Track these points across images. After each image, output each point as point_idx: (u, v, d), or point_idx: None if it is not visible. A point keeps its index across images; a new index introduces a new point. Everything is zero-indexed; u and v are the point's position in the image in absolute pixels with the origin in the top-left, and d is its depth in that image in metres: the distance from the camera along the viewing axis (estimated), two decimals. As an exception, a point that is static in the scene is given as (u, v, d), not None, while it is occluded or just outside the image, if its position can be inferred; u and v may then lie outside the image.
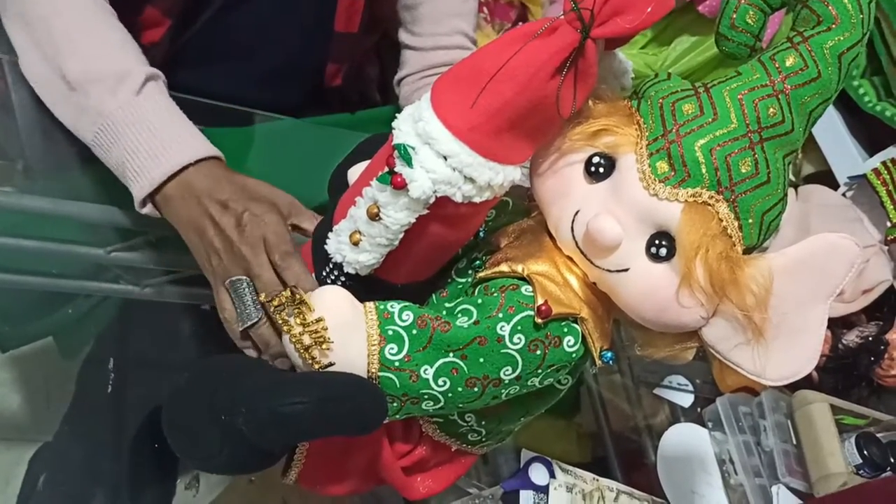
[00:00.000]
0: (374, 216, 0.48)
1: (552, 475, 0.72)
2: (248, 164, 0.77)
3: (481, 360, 0.49)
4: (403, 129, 0.47)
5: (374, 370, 0.48)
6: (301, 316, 0.48)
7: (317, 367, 0.47)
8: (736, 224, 0.48)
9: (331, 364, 0.47)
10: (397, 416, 0.51)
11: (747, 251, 0.49)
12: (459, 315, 0.50)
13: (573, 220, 0.50)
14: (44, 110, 0.69)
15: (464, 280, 0.56)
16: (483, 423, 0.57)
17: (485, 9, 1.24)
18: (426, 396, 0.49)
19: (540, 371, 0.50)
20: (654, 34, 1.15)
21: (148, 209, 0.63)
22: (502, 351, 0.49)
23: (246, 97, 0.84)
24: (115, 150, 0.62)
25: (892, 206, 1.02)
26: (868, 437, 0.84)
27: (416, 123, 0.46)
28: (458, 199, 0.47)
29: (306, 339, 0.47)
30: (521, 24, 1.25)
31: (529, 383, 0.51)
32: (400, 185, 0.46)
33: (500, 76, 0.44)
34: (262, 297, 0.57)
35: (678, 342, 0.53)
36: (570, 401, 0.94)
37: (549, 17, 0.46)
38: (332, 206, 0.59)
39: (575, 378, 0.56)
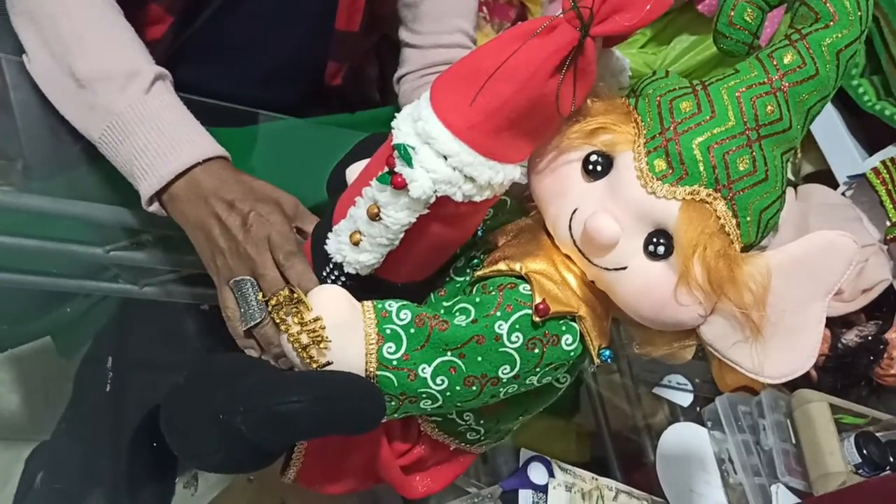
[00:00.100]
0: (374, 216, 0.48)
1: (551, 474, 0.72)
2: (249, 163, 0.77)
3: (479, 358, 0.49)
4: (403, 128, 0.47)
5: (371, 369, 0.48)
6: (299, 315, 0.47)
7: (315, 366, 0.47)
8: (734, 222, 0.48)
9: (329, 363, 0.47)
10: (395, 415, 0.51)
11: (745, 249, 0.49)
12: (457, 314, 0.50)
13: (571, 219, 0.50)
14: (43, 109, 0.69)
15: (462, 279, 0.56)
16: (482, 421, 0.57)
17: (484, 8, 1.24)
18: (424, 395, 0.49)
19: (538, 370, 0.50)
20: (653, 33, 1.15)
21: (154, 207, 0.63)
22: (500, 350, 0.49)
23: (247, 95, 0.84)
24: (123, 149, 0.62)
25: (891, 206, 1.02)
26: (867, 436, 0.84)
27: (416, 123, 0.46)
28: (459, 198, 0.47)
29: (304, 339, 0.47)
30: (520, 23, 1.25)
31: (528, 382, 0.51)
32: (400, 185, 0.46)
33: (499, 75, 0.44)
34: (260, 296, 0.57)
35: (677, 340, 0.53)
36: (570, 400, 0.94)
37: (548, 16, 0.46)
38: (331, 205, 0.59)
39: (573, 377, 0.56)
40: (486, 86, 0.45)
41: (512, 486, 0.71)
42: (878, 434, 0.86)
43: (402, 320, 0.49)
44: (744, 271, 0.48)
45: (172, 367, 0.77)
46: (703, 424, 0.91)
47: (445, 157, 0.46)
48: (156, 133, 0.62)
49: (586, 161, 0.50)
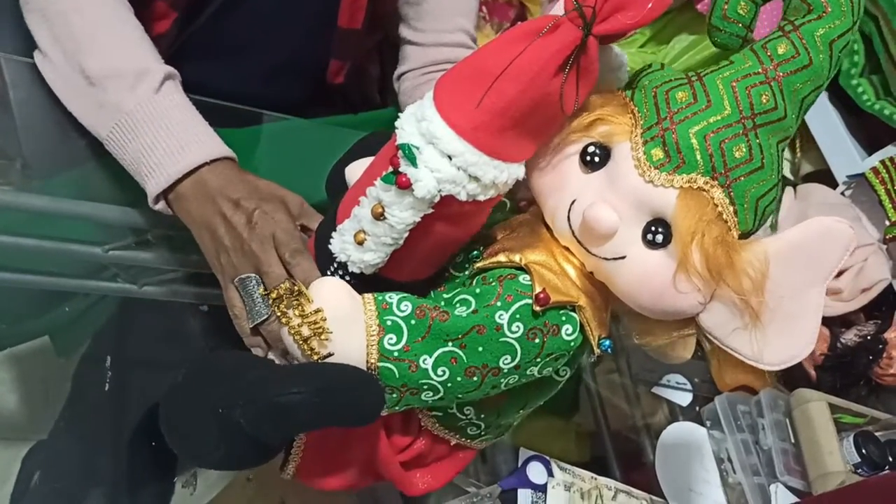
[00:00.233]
0: (378, 216, 0.49)
1: (550, 474, 0.72)
2: (252, 163, 0.77)
3: (480, 348, 0.49)
4: (407, 128, 0.47)
5: (373, 360, 0.48)
6: (300, 307, 0.48)
7: (316, 358, 0.48)
8: (731, 209, 0.48)
9: (330, 355, 0.48)
10: (396, 408, 0.51)
11: (743, 237, 0.50)
12: (458, 305, 0.50)
13: (570, 210, 0.51)
14: (42, 108, 0.69)
15: (461, 274, 0.56)
16: (482, 415, 0.58)
17: (483, 8, 1.24)
18: (425, 387, 0.49)
19: (539, 360, 0.50)
20: (652, 33, 1.15)
21: (160, 206, 0.64)
22: (501, 339, 0.49)
23: (249, 93, 0.84)
24: (131, 147, 0.63)
25: (890, 205, 1.02)
26: (866, 435, 0.84)
27: (420, 123, 0.46)
28: (463, 197, 0.47)
29: (305, 331, 0.47)
30: (519, 23, 1.25)
31: (528, 373, 0.51)
32: (405, 185, 0.46)
33: (503, 75, 0.45)
34: (261, 289, 0.57)
35: (676, 329, 0.53)
36: (569, 400, 0.94)
37: (550, 16, 0.46)
38: (332, 204, 0.59)
39: (573, 370, 0.57)
40: (490, 86, 0.45)
41: (511, 485, 0.71)
42: (877, 433, 0.86)
43: (402, 312, 0.49)
44: (742, 258, 0.49)
45: (172, 367, 0.77)
46: (702, 424, 0.91)
47: (450, 157, 0.46)
48: (164, 132, 0.62)
49: (584, 152, 0.51)
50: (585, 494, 0.73)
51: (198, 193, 0.62)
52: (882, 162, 1.04)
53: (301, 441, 0.55)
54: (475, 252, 0.56)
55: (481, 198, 0.48)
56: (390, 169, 0.47)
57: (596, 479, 0.76)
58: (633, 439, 0.93)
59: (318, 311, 0.47)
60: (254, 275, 0.58)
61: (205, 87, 0.71)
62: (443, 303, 0.51)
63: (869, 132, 1.12)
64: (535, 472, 0.72)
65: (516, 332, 0.49)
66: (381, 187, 0.48)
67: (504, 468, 0.76)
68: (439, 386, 0.49)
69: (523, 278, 0.51)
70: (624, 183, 0.49)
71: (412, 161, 0.46)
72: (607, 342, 0.52)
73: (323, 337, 0.47)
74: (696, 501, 0.84)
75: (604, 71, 0.52)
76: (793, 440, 0.87)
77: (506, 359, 0.49)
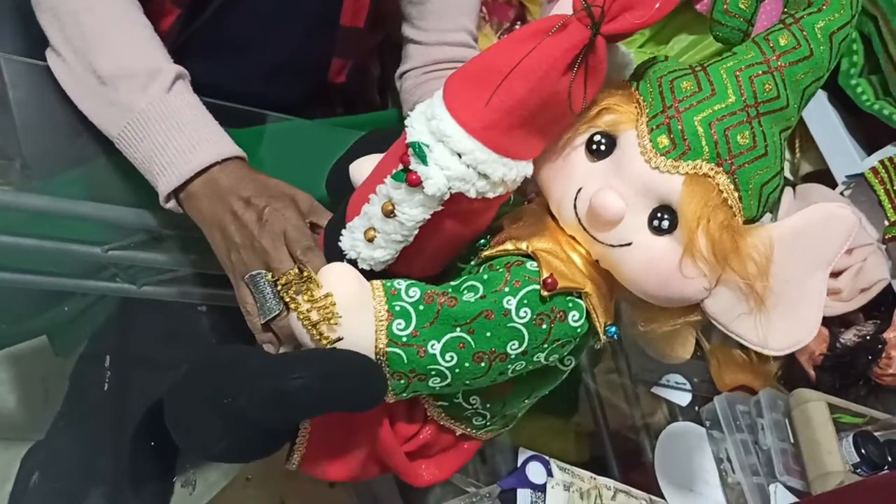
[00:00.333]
0: (388, 213, 0.49)
1: (550, 474, 0.72)
2: (254, 163, 0.78)
3: (488, 334, 0.49)
4: (417, 127, 0.48)
5: (382, 345, 0.48)
6: (309, 293, 0.48)
7: (325, 343, 0.48)
8: (736, 195, 0.49)
9: (339, 339, 0.48)
10: (404, 395, 0.52)
11: (747, 223, 0.51)
12: (466, 291, 0.51)
13: (576, 198, 0.52)
14: (41, 108, 0.69)
15: (467, 266, 0.57)
16: (488, 405, 0.58)
17: (483, 8, 1.23)
18: (433, 372, 0.50)
19: (546, 346, 0.51)
20: (652, 33, 1.15)
21: (171, 205, 0.64)
22: (509, 325, 0.50)
23: (250, 92, 0.84)
24: (143, 146, 0.63)
25: (889, 205, 1.02)
26: (865, 435, 0.84)
27: (430, 122, 0.47)
28: (472, 194, 0.48)
29: (314, 316, 0.48)
30: (519, 23, 1.25)
31: (535, 359, 0.52)
32: (415, 183, 0.47)
33: (512, 74, 0.45)
34: (270, 276, 0.57)
35: (681, 316, 0.54)
36: (568, 400, 0.94)
37: (558, 15, 0.46)
38: (334, 202, 0.61)
39: (577, 359, 0.58)
40: (500, 85, 0.46)
41: (510, 485, 0.71)
42: (876, 433, 0.86)
43: (410, 297, 0.50)
44: (747, 242, 0.50)
45: (170, 367, 0.76)
46: (701, 424, 0.91)
47: (459, 155, 0.47)
48: (176, 131, 0.63)
49: (590, 141, 0.51)
50: (585, 494, 0.73)
51: (209, 192, 0.62)
52: (881, 162, 1.04)
53: (306, 431, 0.55)
54: (482, 241, 0.56)
55: (490, 195, 0.49)
56: (400, 167, 0.48)
57: (595, 478, 0.76)
58: (632, 439, 0.93)
59: (327, 295, 0.48)
60: (264, 271, 0.59)
61: (206, 85, 0.71)
62: (450, 289, 0.51)
63: (868, 132, 1.12)
64: (535, 471, 0.72)
65: (524, 317, 0.50)
66: (391, 185, 0.49)
67: (503, 468, 0.76)
68: (447, 371, 0.50)
69: (530, 265, 0.52)
70: (630, 170, 0.50)
71: (422, 159, 0.47)
72: (613, 329, 0.53)
73: (332, 322, 0.48)
74: (696, 501, 0.84)
75: (611, 70, 0.53)
76: (792, 440, 0.86)
77: (513, 344, 0.50)
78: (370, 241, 0.51)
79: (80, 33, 0.65)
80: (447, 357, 0.49)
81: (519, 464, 0.71)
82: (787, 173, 1.17)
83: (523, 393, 0.59)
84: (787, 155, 1.18)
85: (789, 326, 0.51)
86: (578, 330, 0.52)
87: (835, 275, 0.99)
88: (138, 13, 0.68)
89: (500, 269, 0.52)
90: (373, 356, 0.49)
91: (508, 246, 0.53)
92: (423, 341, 0.49)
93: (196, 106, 0.66)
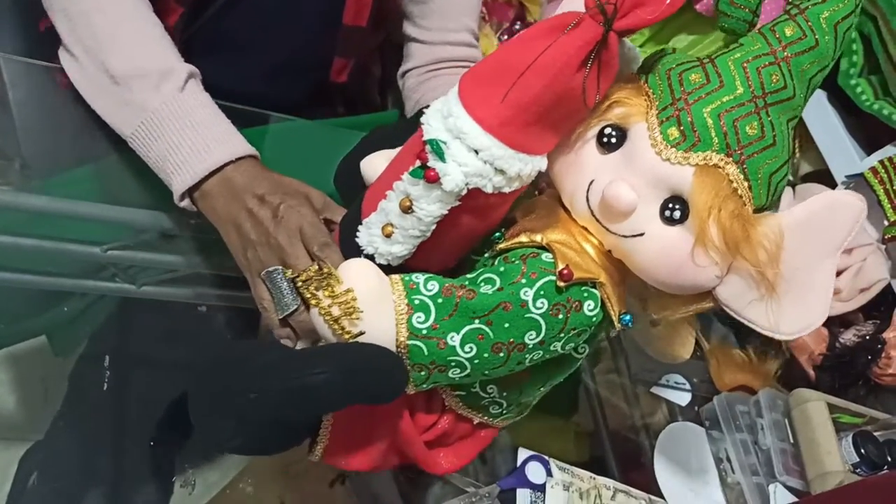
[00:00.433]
0: (406, 209, 0.51)
1: (549, 473, 0.72)
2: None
3: (506, 325, 0.50)
4: (433, 124, 0.49)
5: (402, 338, 0.49)
6: (329, 288, 0.49)
7: (347, 337, 0.49)
8: (746, 185, 0.50)
9: (361, 333, 0.49)
10: (424, 386, 0.53)
11: (757, 212, 0.52)
12: (483, 283, 0.52)
13: (588, 190, 0.53)
14: (41, 108, 0.69)
15: (481, 258, 0.58)
16: (505, 394, 0.59)
17: (483, 8, 1.23)
18: (453, 363, 0.51)
19: (562, 335, 0.52)
20: (651, 33, 1.15)
21: (185, 203, 0.65)
22: (526, 315, 0.51)
23: (251, 91, 0.84)
24: (157, 145, 0.64)
25: (889, 205, 1.02)
26: (865, 435, 0.84)
27: (446, 119, 0.48)
28: (489, 189, 0.49)
29: (335, 311, 0.49)
30: (519, 23, 1.25)
31: (552, 348, 0.53)
32: (433, 179, 0.48)
33: (528, 71, 0.46)
34: (289, 273, 0.58)
35: (693, 303, 0.55)
36: (568, 400, 0.94)
37: (570, 12, 0.47)
38: (343, 198, 0.62)
39: (591, 348, 0.59)
40: (515, 82, 0.47)
41: (510, 485, 0.71)
42: (875, 433, 0.86)
43: (429, 291, 0.51)
44: (758, 231, 0.51)
45: (170, 367, 0.77)
46: (701, 424, 0.91)
47: (476, 151, 0.48)
48: (190, 131, 0.63)
49: (601, 134, 0.52)
50: (584, 494, 0.73)
51: (224, 191, 0.63)
52: (881, 162, 1.04)
53: (328, 422, 0.56)
54: (497, 234, 0.57)
55: (506, 190, 0.50)
56: (418, 163, 0.49)
57: (595, 478, 0.76)
58: (631, 439, 0.93)
59: (348, 291, 0.49)
60: (280, 267, 0.59)
61: (207, 85, 0.71)
62: (467, 282, 0.52)
63: (868, 132, 1.12)
64: (534, 471, 0.71)
65: (541, 308, 0.51)
66: (408, 181, 0.50)
67: (503, 468, 0.76)
68: (466, 362, 0.51)
69: (546, 256, 0.53)
70: (641, 162, 0.51)
71: (440, 156, 0.48)
72: (627, 317, 0.54)
73: (354, 316, 0.49)
74: (695, 501, 0.84)
75: (619, 64, 0.54)
76: (791, 440, 0.86)
77: (531, 334, 0.51)
78: (388, 236, 0.53)
79: (91, 33, 0.66)
80: (466, 348, 0.50)
81: (518, 464, 0.71)
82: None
83: (539, 381, 0.60)
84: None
85: (800, 311, 0.53)
86: (594, 319, 0.53)
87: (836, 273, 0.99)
88: (148, 11, 0.69)
89: (516, 262, 0.53)
90: (393, 349, 0.50)
91: (523, 238, 0.54)
92: (443, 333, 0.50)
93: (209, 105, 0.66)
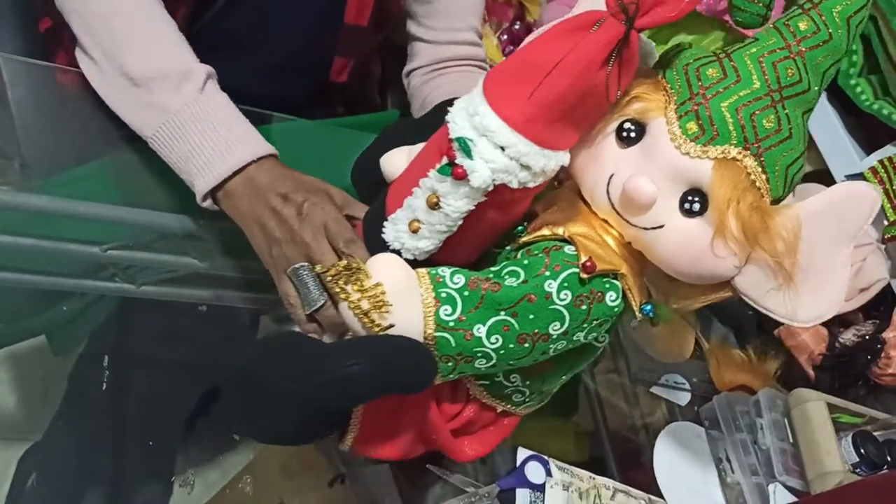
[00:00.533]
0: (433, 205, 0.52)
1: (549, 473, 0.72)
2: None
3: (531, 316, 0.52)
4: (459, 122, 0.50)
5: (430, 331, 0.51)
6: (359, 283, 0.51)
7: (377, 330, 0.50)
8: (763, 177, 0.52)
9: (390, 326, 0.50)
10: (451, 376, 0.54)
11: (774, 203, 0.53)
12: (507, 276, 0.53)
13: (608, 184, 0.54)
14: (40, 108, 0.69)
15: (503, 251, 0.59)
16: (528, 382, 0.61)
17: (482, 8, 1.23)
18: (479, 354, 0.52)
19: (585, 325, 0.54)
20: (651, 32, 1.15)
21: (207, 203, 0.65)
22: (550, 307, 0.52)
23: (252, 91, 0.84)
24: (178, 146, 0.64)
25: (889, 205, 1.02)
26: (864, 435, 0.84)
27: (472, 118, 0.50)
28: (515, 185, 0.51)
29: (365, 304, 0.50)
30: (519, 22, 1.25)
31: (575, 338, 0.54)
32: (461, 176, 0.50)
33: (553, 70, 0.48)
34: (318, 268, 0.58)
35: (712, 292, 0.57)
36: (568, 400, 0.94)
37: (592, 11, 0.49)
38: (361, 195, 0.64)
39: (610, 337, 0.60)
40: (542, 80, 0.48)
41: (509, 484, 0.70)
42: (875, 433, 0.86)
43: (455, 284, 0.52)
44: (776, 222, 0.52)
45: (170, 367, 0.77)
46: (700, 424, 0.90)
47: (503, 148, 0.49)
48: (212, 132, 0.64)
49: (620, 129, 0.54)
50: (584, 494, 0.73)
51: (247, 190, 0.64)
52: (880, 162, 1.04)
53: (358, 413, 0.58)
54: (520, 228, 0.59)
55: (531, 185, 0.52)
56: (445, 161, 0.50)
57: (594, 478, 0.76)
58: (631, 439, 0.93)
59: (377, 284, 0.50)
60: (305, 264, 0.60)
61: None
62: (492, 275, 0.54)
63: (867, 132, 1.12)
64: (534, 471, 0.71)
65: (564, 299, 0.52)
66: (436, 178, 0.52)
67: (502, 468, 0.76)
68: (492, 353, 0.52)
69: (568, 249, 0.54)
70: (661, 156, 0.52)
71: (468, 153, 0.49)
72: (648, 307, 0.56)
73: (383, 310, 0.50)
74: (695, 501, 0.84)
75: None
76: (791, 440, 0.86)
77: (555, 325, 0.53)
78: (414, 232, 0.54)
79: (109, 36, 0.66)
80: (492, 339, 0.51)
81: (518, 463, 0.71)
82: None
83: (561, 370, 0.62)
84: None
85: (816, 300, 0.54)
86: (615, 309, 0.54)
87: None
88: (163, 12, 0.69)
89: (540, 254, 0.54)
90: (421, 341, 0.51)
91: (545, 231, 0.56)
92: (470, 325, 0.51)
93: (228, 105, 0.67)
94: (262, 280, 0.71)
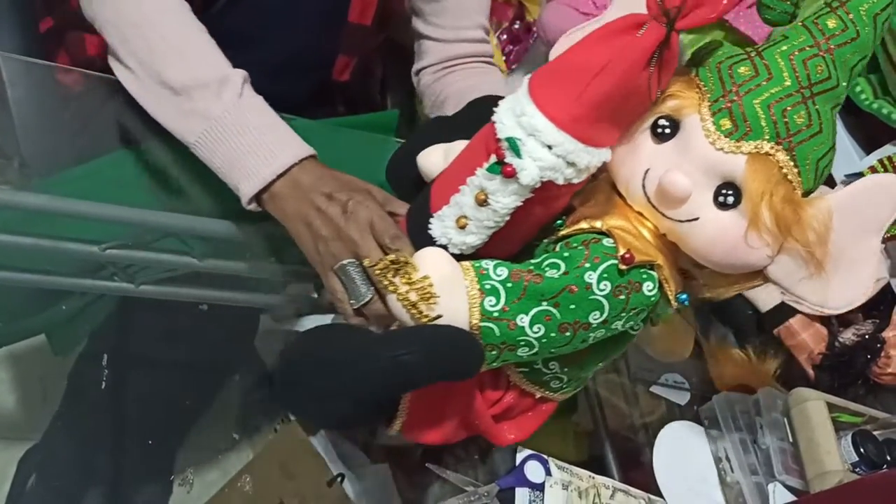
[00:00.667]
0: (482, 202, 0.54)
1: (548, 473, 0.72)
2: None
3: (572, 306, 0.54)
4: (506, 122, 0.53)
5: (475, 321, 0.53)
6: (407, 276, 0.52)
7: (425, 320, 0.52)
8: (795, 171, 0.54)
9: (438, 317, 0.52)
10: (495, 364, 0.56)
11: (805, 195, 0.55)
12: (548, 268, 0.55)
13: (644, 178, 0.56)
14: (40, 107, 0.69)
15: (541, 244, 0.61)
16: (566, 369, 0.63)
17: (482, 7, 1.23)
18: (522, 343, 0.54)
19: (623, 314, 0.56)
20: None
21: (253, 206, 0.67)
22: (590, 297, 0.54)
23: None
24: (221, 152, 0.66)
25: (888, 204, 1.02)
26: (864, 434, 0.84)
27: (520, 118, 0.52)
28: (561, 181, 0.53)
29: (413, 296, 0.52)
30: (518, 22, 1.25)
31: (613, 327, 0.57)
32: (510, 174, 0.52)
33: (599, 72, 0.50)
34: (367, 262, 0.60)
35: (746, 281, 0.59)
36: (567, 399, 0.94)
37: (634, 14, 0.51)
38: (397, 191, 0.67)
39: (645, 325, 0.62)
40: (590, 82, 0.50)
41: (509, 484, 0.71)
42: (875, 432, 0.86)
43: (499, 276, 0.54)
44: (808, 213, 0.55)
45: (169, 366, 0.77)
46: (700, 423, 0.90)
47: (550, 147, 0.52)
48: (254, 136, 0.65)
49: (655, 125, 0.56)
50: (583, 493, 0.73)
51: (292, 191, 0.65)
52: (880, 161, 1.04)
53: (406, 400, 0.60)
54: (559, 221, 0.61)
55: (575, 181, 0.54)
56: (494, 159, 0.53)
57: (594, 478, 0.76)
58: (631, 438, 0.93)
59: (424, 277, 0.52)
60: (352, 260, 0.61)
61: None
62: (533, 267, 0.56)
63: (867, 131, 1.12)
64: (533, 471, 0.72)
65: (604, 290, 0.54)
66: (484, 177, 0.54)
67: (502, 467, 0.76)
68: (535, 342, 0.54)
69: (607, 241, 0.56)
70: (695, 151, 0.54)
71: (517, 152, 0.52)
72: (684, 296, 0.58)
73: (431, 301, 0.52)
74: (694, 500, 0.84)
75: None
76: (791, 439, 0.86)
77: (595, 314, 0.55)
78: (462, 227, 0.56)
79: (145, 45, 0.67)
80: (535, 329, 0.54)
81: (517, 463, 0.71)
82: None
83: (598, 357, 0.64)
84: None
85: (846, 287, 0.57)
86: (652, 299, 0.56)
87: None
88: (192, 17, 0.70)
89: (579, 247, 0.56)
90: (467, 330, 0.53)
91: (584, 225, 0.57)
92: (513, 315, 0.53)
93: (266, 108, 0.69)
94: (262, 280, 0.71)
